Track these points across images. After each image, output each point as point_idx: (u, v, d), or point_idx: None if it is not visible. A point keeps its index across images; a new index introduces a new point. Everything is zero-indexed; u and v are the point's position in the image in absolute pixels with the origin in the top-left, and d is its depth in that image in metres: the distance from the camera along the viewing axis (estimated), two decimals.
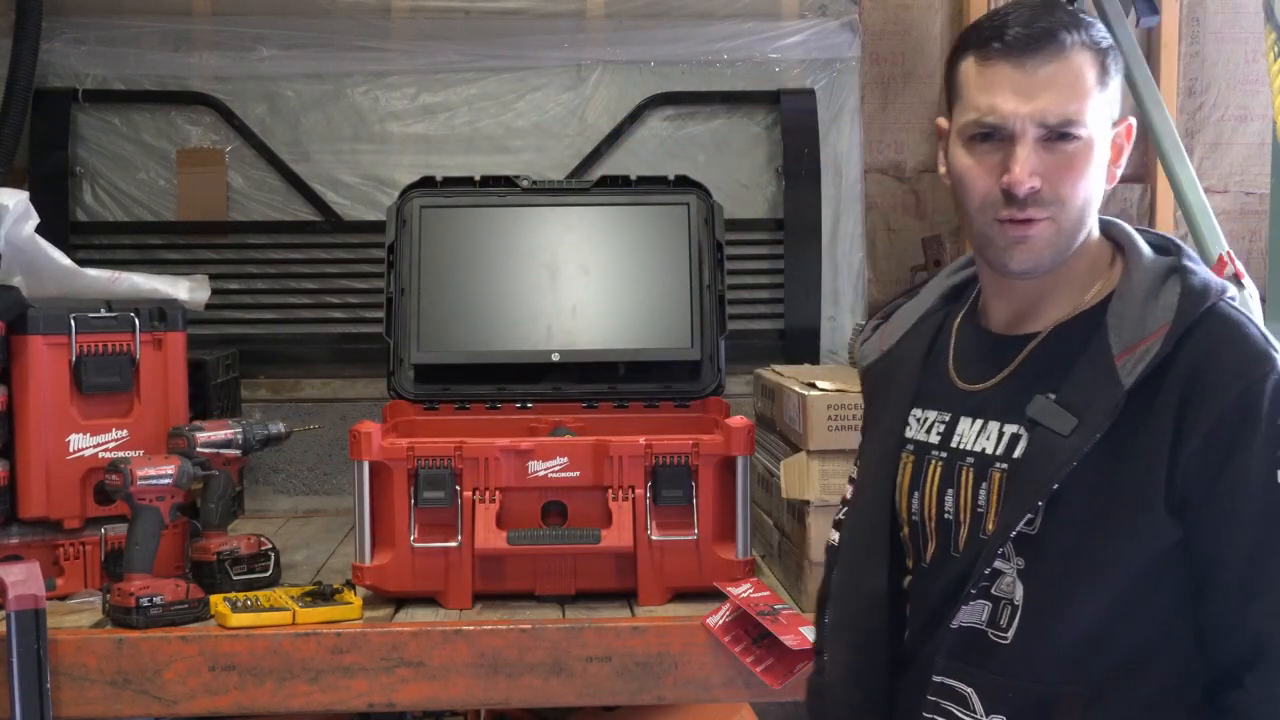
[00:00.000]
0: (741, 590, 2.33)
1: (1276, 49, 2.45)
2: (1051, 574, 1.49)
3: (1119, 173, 1.58)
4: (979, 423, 1.58)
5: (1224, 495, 1.44)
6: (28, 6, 3.26)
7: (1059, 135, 1.49)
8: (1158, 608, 1.48)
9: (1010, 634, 1.51)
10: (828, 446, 2.39)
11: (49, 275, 2.64)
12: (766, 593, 2.35)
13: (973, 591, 1.52)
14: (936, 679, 1.54)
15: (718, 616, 2.32)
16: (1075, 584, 1.48)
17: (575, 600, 2.42)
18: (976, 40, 1.53)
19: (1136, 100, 3.10)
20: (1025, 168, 1.48)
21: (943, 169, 1.60)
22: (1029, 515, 1.49)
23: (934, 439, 1.62)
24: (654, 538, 2.39)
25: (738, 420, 2.43)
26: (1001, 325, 1.62)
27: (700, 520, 2.39)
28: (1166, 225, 3.67)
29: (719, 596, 2.36)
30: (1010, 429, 1.55)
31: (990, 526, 1.53)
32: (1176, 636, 1.48)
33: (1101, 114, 1.52)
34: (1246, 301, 1.52)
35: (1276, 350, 1.48)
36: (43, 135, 3.41)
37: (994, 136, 1.51)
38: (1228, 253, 2.74)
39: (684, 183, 2.92)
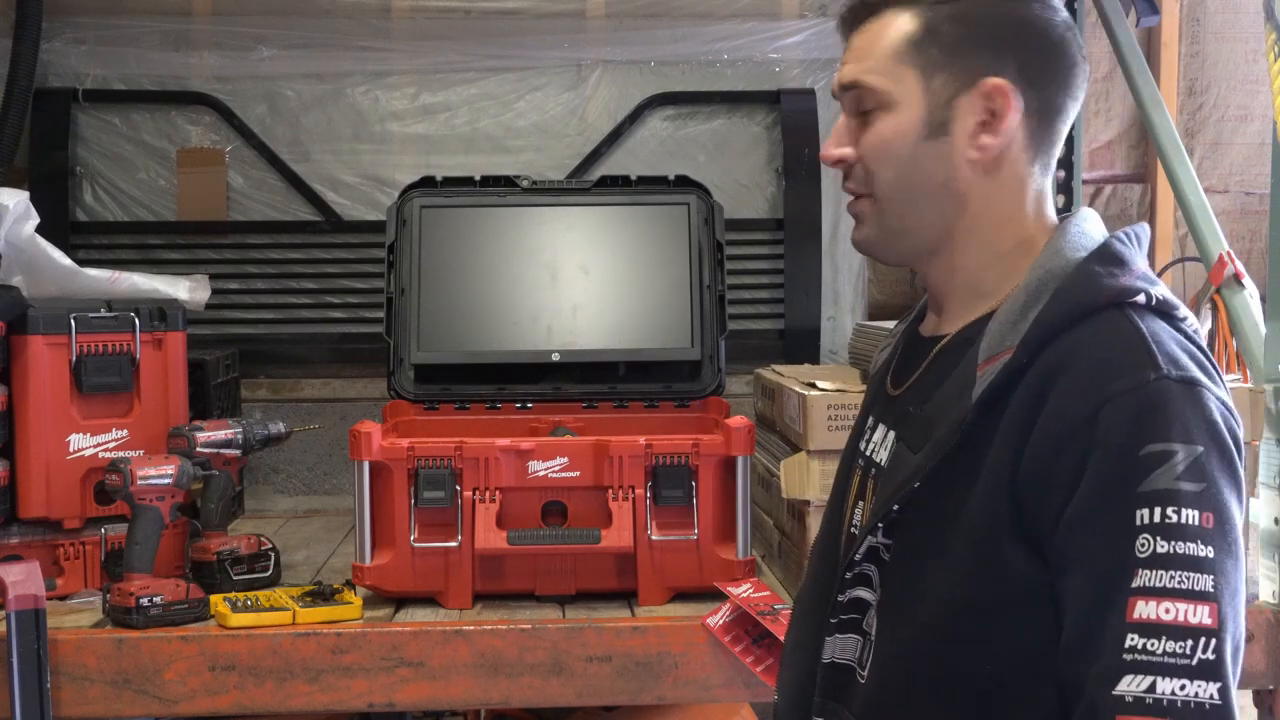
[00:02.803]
0: (741, 590, 2.33)
1: (1276, 49, 2.44)
2: (894, 608, 1.33)
3: (993, 141, 1.35)
4: (886, 431, 1.45)
5: (1068, 534, 1.21)
6: (28, 6, 3.26)
7: (861, 108, 1.39)
8: (1019, 657, 1.26)
9: (866, 673, 1.36)
10: (828, 446, 2.39)
11: (49, 275, 2.64)
12: (766, 593, 2.35)
13: (833, 622, 1.39)
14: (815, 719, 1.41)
15: (718, 616, 2.32)
16: (915, 622, 1.31)
17: (575, 600, 2.42)
18: None
19: (1136, 100, 3.10)
20: (832, 139, 1.41)
21: None
22: (881, 540, 1.34)
23: (865, 447, 1.49)
24: (654, 538, 2.39)
25: (738, 420, 2.43)
26: (928, 327, 1.48)
27: (700, 520, 2.39)
28: (1166, 225, 3.68)
29: (719, 596, 2.36)
30: (894, 439, 1.42)
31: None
32: (1044, 686, 1.25)
33: (915, 76, 1.35)
34: (1174, 306, 1.29)
35: (1163, 365, 1.22)
36: (43, 135, 3.41)
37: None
38: (1228, 253, 2.74)
39: (684, 183, 2.92)
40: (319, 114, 3.53)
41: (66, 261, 2.67)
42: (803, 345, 3.48)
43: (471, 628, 2.29)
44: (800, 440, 2.47)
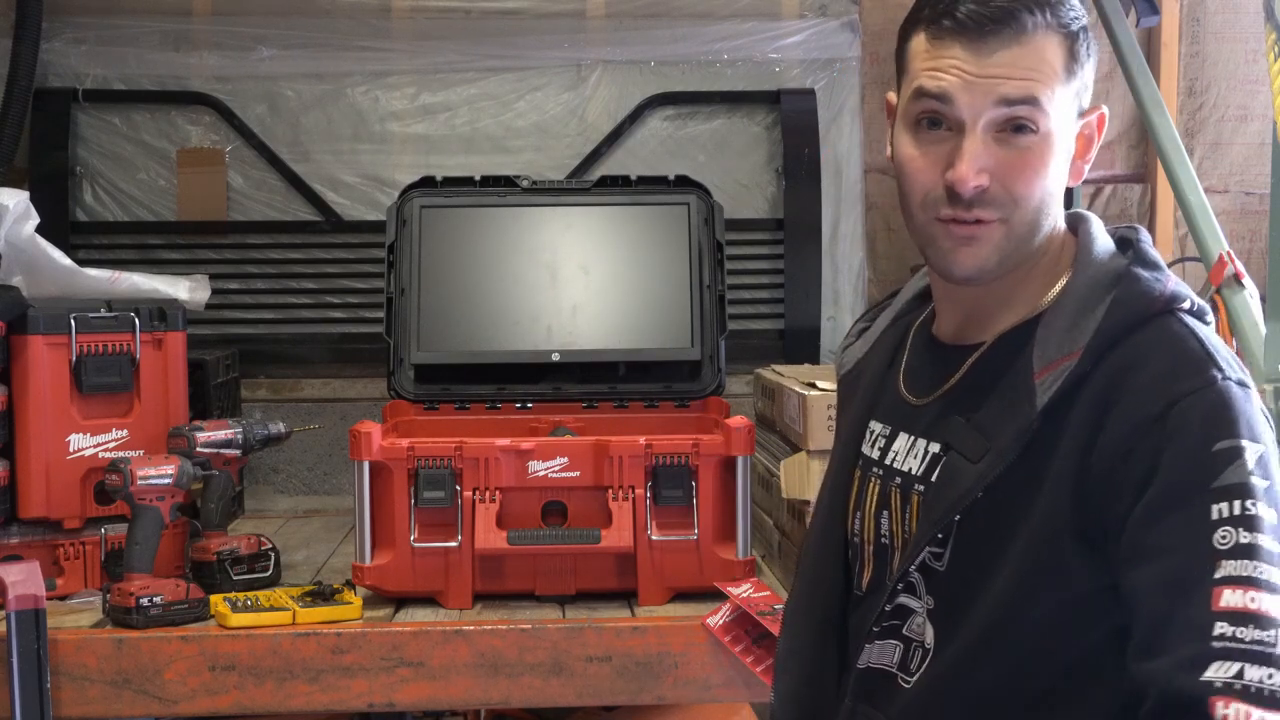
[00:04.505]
0: (741, 590, 2.33)
1: (1276, 49, 2.44)
2: (953, 616, 1.33)
3: (1086, 168, 1.42)
4: (911, 439, 1.44)
5: (1140, 530, 1.23)
6: (28, 6, 3.26)
7: (1014, 128, 1.32)
8: (1073, 658, 1.29)
9: (914, 679, 1.36)
10: (828, 446, 2.36)
11: (49, 275, 2.64)
12: (766, 593, 2.35)
13: (875, 629, 1.40)
14: None
15: (718, 616, 2.32)
16: (975, 628, 1.31)
17: (575, 600, 2.42)
18: (929, 15, 1.35)
19: (1136, 100, 3.10)
20: (973, 164, 1.31)
21: (889, 151, 1.43)
22: (931, 549, 1.35)
23: (875, 454, 1.48)
24: (654, 538, 2.39)
25: (738, 420, 2.43)
26: (949, 334, 1.46)
27: (700, 520, 2.39)
28: (1166, 225, 3.68)
29: (719, 596, 2.36)
30: (934, 448, 1.40)
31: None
32: (1097, 685, 1.28)
33: (1067, 105, 1.35)
34: (1206, 311, 1.35)
35: (1225, 367, 1.27)
36: (43, 135, 3.41)
37: (942, 124, 1.34)
38: (1228, 253, 2.74)
39: (684, 183, 2.92)
40: (319, 114, 3.53)
41: (66, 261, 2.67)
42: (803, 345, 3.48)
43: (471, 628, 2.29)
44: (800, 440, 2.47)
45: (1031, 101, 1.32)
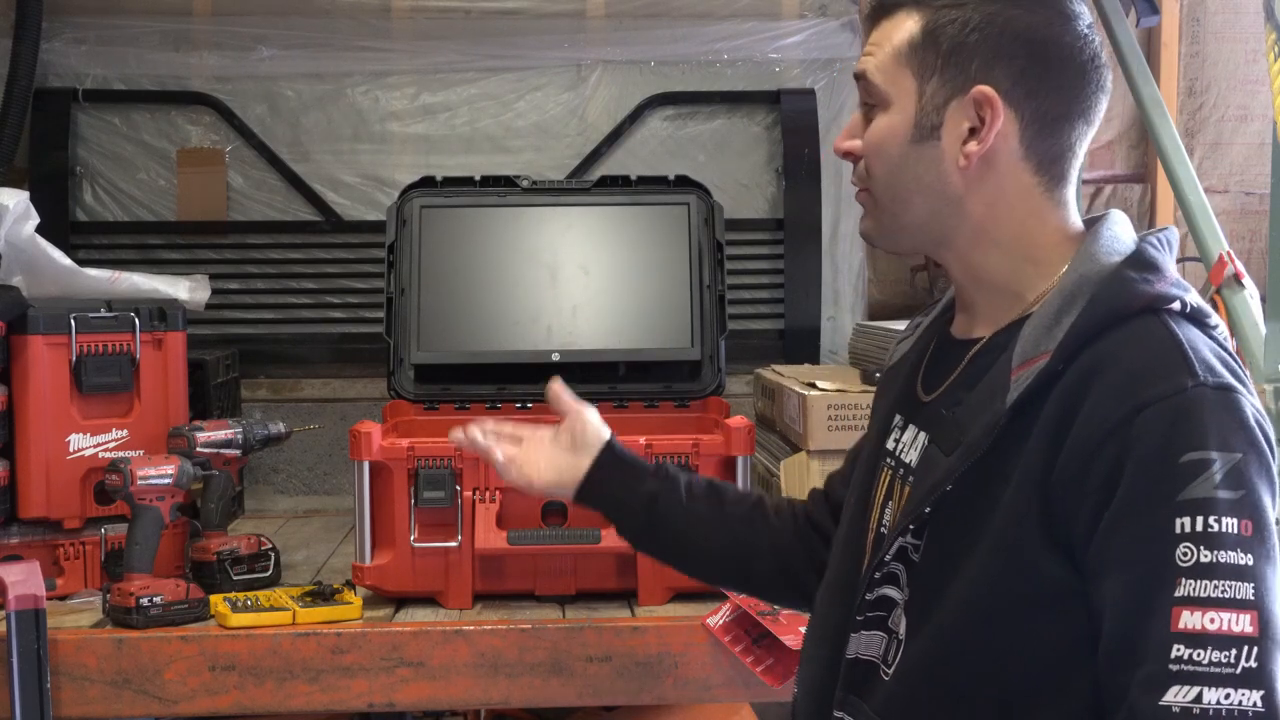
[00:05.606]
0: None
1: (1276, 49, 2.44)
2: (923, 608, 1.34)
3: (976, 149, 1.35)
4: (916, 431, 1.46)
5: (1105, 539, 1.22)
6: (28, 6, 3.26)
7: (865, 97, 1.44)
8: (1047, 654, 1.27)
9: (891, 671, 1.37)
10: (828, 446, 2.39)
11: (49, 275, 2.64)
12: None
13: (859, 619, 1.41)
14: (836, 713, 1.43)
15: (718, 616, 2.32)
16: (943, 621, 1.32)
17: (575, 600, 2.42)
18: None
19: (1136, 100, 3.10)
20: (843, 134, 1.46)
21: None
22: (910, 541, 1.36)
23: (892, 445, 1.50)
24: None
25: (738, 420, 2.43)
26: (960, 329, 1.48)
27: None
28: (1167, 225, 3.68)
29: (719, 596, 2.36)
30: (926, 440, 1.43)
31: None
32: (1069, 687, 1.27)
33: (910, 78, 1.37)
34: (1206, 313, 1.31)
35: (1200, 372, 1.22)
36: (43, 135, 3.41)
37: None
38: (1228, 253, 2.74)
39: (684, 183, 2.92)
40: (319, 114, 3.53)
41: (66, 261, 2.68)
42: (803, 345, 3.48)
43: (471, 628, 2.29)
44: (800, 440, 2.47)
45: (860, 76, 1.43)
